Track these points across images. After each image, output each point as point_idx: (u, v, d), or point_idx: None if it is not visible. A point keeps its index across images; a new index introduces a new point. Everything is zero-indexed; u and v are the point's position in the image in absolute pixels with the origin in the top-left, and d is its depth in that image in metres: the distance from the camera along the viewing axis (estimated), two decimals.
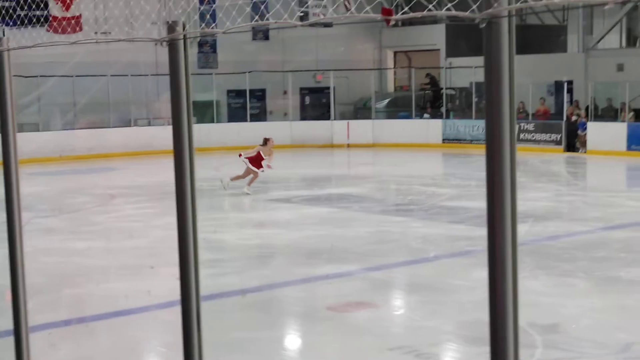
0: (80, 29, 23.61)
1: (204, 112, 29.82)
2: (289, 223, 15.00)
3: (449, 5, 2.57)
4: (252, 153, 18.40)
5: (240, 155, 18.50)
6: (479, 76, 28.77)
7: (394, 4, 31.69)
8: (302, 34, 31.18)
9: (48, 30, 21.55)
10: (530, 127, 27.91)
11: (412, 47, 35.04)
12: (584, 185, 22.11)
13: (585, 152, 26.50)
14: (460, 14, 2.42)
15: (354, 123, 31.39)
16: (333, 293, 9.82)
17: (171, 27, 3.55)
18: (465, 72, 30.66)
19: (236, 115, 31.30)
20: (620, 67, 28.84)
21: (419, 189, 19.08)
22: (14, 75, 4.88)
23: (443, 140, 29.99)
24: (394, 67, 36.17)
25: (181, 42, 3.57)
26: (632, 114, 26.42)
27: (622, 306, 9.16)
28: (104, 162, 25.91)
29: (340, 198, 18.02)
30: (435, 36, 33.33)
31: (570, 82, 28.62)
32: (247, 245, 13.03)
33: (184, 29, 3.54)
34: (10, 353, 4.94)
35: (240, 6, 4.52)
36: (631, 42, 32.86)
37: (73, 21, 24.81)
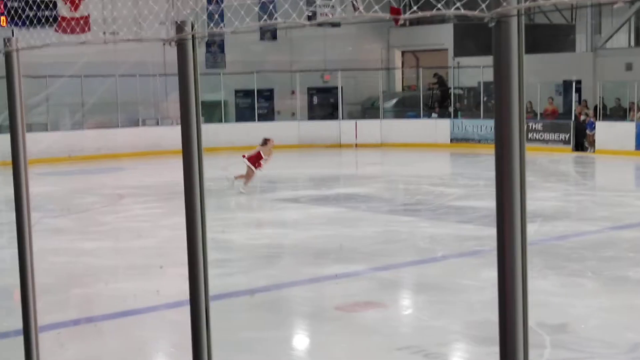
0: (89, 29, 23.65)
1: (212, 112, 29.85)
2: (297, 223, 15.00)
3: (458, 4, 2.57)
4: (253, 153, 18.49)
5: (243, 156, 18.57)
6: (487, 76, 28.81)
7: (403, 4, 31.69)
8: (309, 34, 31.18)
9: (57, 31, 21.59)
10: (539, 126, 27.86)
11: (420, 46, 35.00)
12: (593, 185, 22.06)
13: (593, 151, 26.44)
14: (470, 13, 2.42)
15: (361, 123, 31.38)
16: (341, 293, 9.81)
17: (180, 27, 3.56)
18: (473, 71, 30.62)
19: (244, 115, 31.32)
20: (628, 67, 28.75)
21: (427, 188, 19.06)
22: (23, 76, 4.89)
23: (451, 140, 29.95)
24: (402, 67, 36.14)
25: (190, 42, 3.57)
26: None
27: (630, 306, 9.13)
28: (113, 162, 25.95)
29: (348, 198, 18.01)
30: (443, 36, 33.29)
31: (578, 82, 28.56)
32: (254, 245, 13.03)
33: (192, 29, 3.55)
34: (20, 352, 4.95)
35: (249, 6, 4.51)
36: None
37: (82, 21, 24.85)
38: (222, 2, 25.42)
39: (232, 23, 3.96)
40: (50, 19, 22.20)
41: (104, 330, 8.59)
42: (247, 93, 31.55)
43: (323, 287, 10.27)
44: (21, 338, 4.95)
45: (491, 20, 2.34)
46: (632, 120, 26.44)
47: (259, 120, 30.97)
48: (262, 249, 12.75)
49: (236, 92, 31.65)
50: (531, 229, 12.85)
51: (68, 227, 15.00)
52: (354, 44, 33.65)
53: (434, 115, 31.63)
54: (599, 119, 26.89)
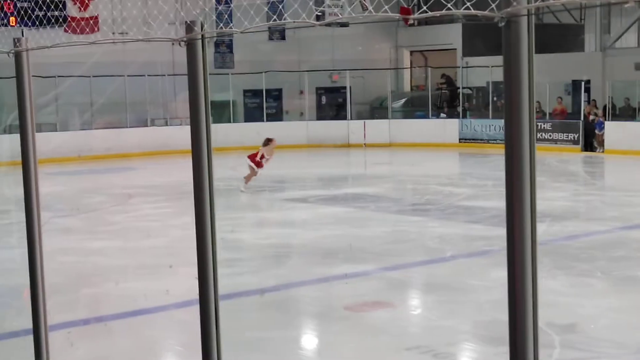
0: (98, 29, 23.72)
1: (221, 112, 29.88)
2: (306, 223, 15.01)
3: (468, 4, 2.57)
4: (255, 153, 18.65)
5: (248, 157, 18.72)
6: (496, 75, 28.78)
7: (412, 4, 31.67)
8: (318, 34, 31.19)
9: (66, 31, 21.63)
10: (548, 126, 27.80)
11: (429, 46, 34.97)
12: (602, 185, 22.01)
13: (602, 151, 26.37)
14: (479, 13, 2.42)
15: (370, 123, 31.36)
16: (350, 293, 9.81)
17: (189, 27, 3.56)
18: (481, 71, 30.57)
19: (253, 115, 31.34)
20: (638, 66, 28.68)
21: (436, 188, 19.04)
22: (32, 76, 4.91)
23: (460, 139, 29.92)
24: (411, 67, 36.11)
25: (199, 42, 3.58)
26: None
27: None
28: (122, 162, 26.00)
29: (357, 198, 18.01)
30: (452, 36, 33.26)
31: (587, 82, 28.49)
32: (263, 244, 13.04)
33: (202, 29, 3.55)
34: (30, 352, 4.97)
35: (258, 6, 4.52)
36: None
37: (91, 21, 24.92)
38: (231, 2, 25.44)
39: (241, 23, 3.97)
40: (60, 19, 22.26)
41: (113, 330, 8.61)
42: (256, 93, 31.58)
43: (332, 287, 10.27)
44: (31, 337, 4.96)
45: (501, 20, 2.34)
46: None
47: (267, 120, 30.99)
48: (271, 248, 12.76)
49: (245, 92, 31.68)
50: (540, 229, 12.83)
51: (77, 227, 15.04)
52: (362, 44, 33.64)
53: (442, 115, 31.60)
54: (608, 119, 26.82)
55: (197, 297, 3.73)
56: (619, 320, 8.60)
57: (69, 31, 21.40)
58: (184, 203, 15.39)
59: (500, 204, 14.17)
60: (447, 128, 30.30)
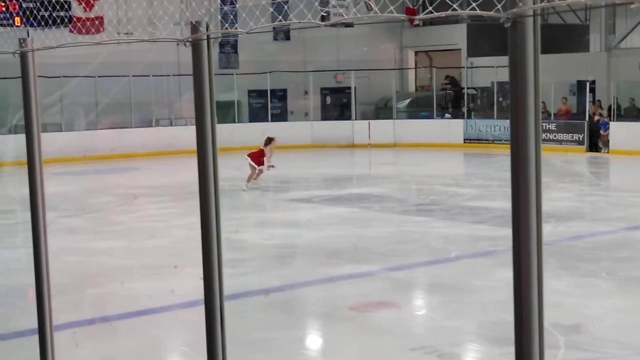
0: (103, 30, 23.74)
1: (225, 112, 29.90)
2: (310, 223, 15.01)
3: (474, 4, 2.57)
4: (255, 152, 18.82)
5: (248, 155, 18.87)
6: (501, 76, 28.75)
7: (417, 4, 31.67)
8: (323, 34, 31.20)
9: (72, 31, 21.69)
10: (553, 127, 27.77)
11: (433, 47, 34.96)
12: (607, 185, 21.98)
13: (607, 152, 26.34)
14: (485, 13, 2.42)
15: (375, 123, 31.35)
16: (354, 293, 9.81)
17: (195, 28, 3.57)
18: (486, 71, 30.55)
19: (257, 115, 31.36)
20: None
21: (441, 189, 19.03)
22: (38, 76, 4.91)
23: (464, 140, 29.90)
24: (415, 67, 36.11)
25: (204, 43, 3.58)
26: None
27: None
28: (127, 162, 26.03)
29: (361, 198, 18.01)
30: (457, 36, 33.24)
31: (592, 82, 28.45)
32: (268, 245, 13.04)
33: (207, 29, 3.55)
34: (35, 352, 4.98)
35: (263, 6, 4.52)
36: None
37: (97, 22, 24.94)
38: (236, 2, 25.45)
39: (246, 23, 3.97)
40: (65, 20, 22.29)
41: (118, 330, 8.62)
42: (261, 93, 31.59)
43: (336, 287, 10.27)
44: (36, 337, 4.97)
45: (507, 21, 2.34)
46: None
47: (272, 120, 31.00)
48: (276, 249, 12.77)
49: (249, 92, 31.70)
50: (545, 229, 12.79)
51: (82, 227, 15.06)
52: (367, 44, 33.65)
53: (447, 115, 31.59)
54: (613, 119, 26.79)
55: (202, 297, 3.73)
56: (624, 320, 8.59)
57: (74, 31, 21.44)
58: (189, 203, 15.43)
59: (505, 204, 14.15)
60: (451, 128, 30.28)
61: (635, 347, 7.67)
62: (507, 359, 7.00)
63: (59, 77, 26.14)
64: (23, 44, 4.82)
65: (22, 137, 5.06)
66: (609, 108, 27.35)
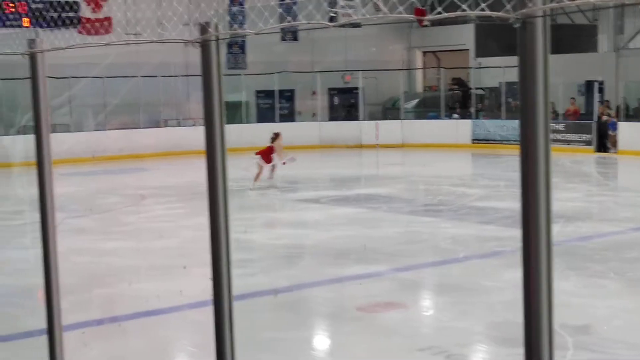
0: (112, 31, 23.78)
1: (233, 112, 29.94)
2: (318, 223, 15.01)
3: (483, 5, 2.57)
4: (263, 150, 19.03)
5: (257, 154, 19.06)
6: (509, 76, 28.71)
7: (426, 4, 31.63)
8: (331, 35, 31.21)
9: (80, 32, 21.73)
10: (561, 127, 27.73)
11: (441, 47, 34.94)
12: (615, 186, 21.93)
13: (616, 152, 26.28)
14: (494, 14, 2.42)
15: (383, 123, 31.35)
16: (362, 293, 9.81)
17: (203, 28, 3.57)
18: (494, 72, 30.51)
19: (265, 115, 31.38)
20: None
21: (448, 189, 19.02)
22: (47, 77, 4.92)
23: (472, 140, 29.87)
24: (423, 68, 36.08)
25: (213, 43, 3.58)
26: None
27: None
28: (135, 163, 26.08)
29: (369, 198, 18.01)
30: (465, 36, 33.21)
31: (601, 82, 28.39)
32: (276, 245, 13.05)
33: (216, 30, 3.56)
34: (44, 352, 4.99)
35: (272, 7, 4.53)
36: None
37: (106, 23, 24.99)
38: (244, 3, 25.47)
39: (254, 24, 3.97)
40: (75, 20, 22.35)
41: (127, 330, 8.63)
42: (268, 94, 31.62)
43: (344, 288, 10.27)
44: (45, 337, 4.98)
45: (516, 22, 2.33)
46: None
47: (280, 120, 31.01)
48: (284, 249, 12.78)
49: (257, 92, 31.73)
50: (554, 229, 12.78)
51: (91, 227, 15.09)
52: (375, 45, 33.64)
53: (455, 115, 31.56)
54: (621, 120, 26.73)
55: (210, 297, 3.73)
56: (633, 321, 8.57)
57: (83, 32, 21.48)
58: (197, 204, 15.44)
59: (513, 204, 14.12)
60: (459, 129, 30.25)
61: None
62: None
63: (68, 77, 26.20)
64: (32, 45, 4.83)
65: (31, 138, 5.07)
66: (617, 108, 27.29)
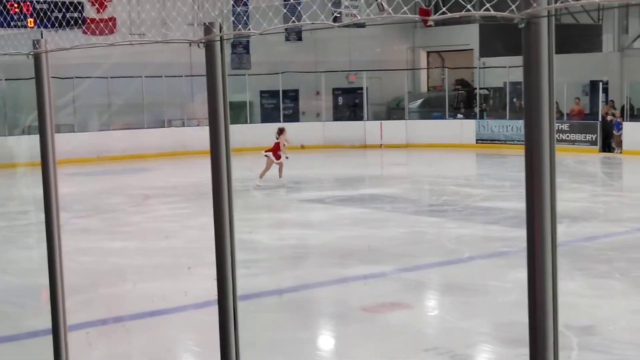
0: (116, 31, 23.81)
1: (238, 112, 29.94)
2: (323, 223, 15.00)
3: (487, 5, 2.56)
4: (272, 147, 19.16)
5: (267, 151, 19.19)
6: (513, 76, 28.68)
7: (430, 4, 31.62)
8: (335, 35, 31.19)
9: (85, 33, 21.72)
10: (566, 127, 27.69)
11: (445, 47, 34.91)
12: (620, 186, 21.89)
13: (620, 152, 26.24)
14: (499, 14, 2.41)
15: (387, 123, 31.33)
16: (367, 294, 9.80)
17: (208, 29, 3.57)
18: (499, 72, 30.49)
19: (269, 115, 31.37)
20: None
21: (453, 189, 19.00)
22: (51, 77, 4.93)
23: (477, 140, 29.83)
24: (427, 68, 36.07)
25: (218, 44, 3.59)
26: None
27: None
28: (139, 163, 26.10)
29: (374, 198, 18.00)
30: (469, 36, 33.19)
31: (605, 82, 28.36)
32: (281, 245, 13.05)
33: (220, 30, 3.56)
34: (49, 351, 4.99)
35: (276, 7, 4.53)
36: None
37: (110, 23, 25.02)
38: (248, 3, 25.47)
39: (259, 24, 3.98)
40: (79, 21, 22.36)
41: (132, 330, 8.64)
42: (273, 94, 31.62)
43: (349, 288, 10.27)
44: (50, 337, 4.99)
45: (521, 22, 2.33)
46: None
47: (284, 120, 31.00)
48: (288, 249, 12.77)
49: (261, 92, 31.73)
50: (558, 229, 12.76)
51: (96, 227, 15.10)
52: (379, 45, 33.62)
53: (459, 115, 31.53)
54: (626, 119, 26.69)
55: (215, 297, 3.74)
56: (638, 321, 8.56)
57: (88, 33, 21.49)
58: (201, 203, 15.44)
59: (518, 205, 14.08)
60: (464, 129, 30.22)
61: None
62: None
63: (72, 78, 26.22)
64: (37, 46, 4.83)
65: (35, 138, 5.08)
66: (622, 108, 27.25)
